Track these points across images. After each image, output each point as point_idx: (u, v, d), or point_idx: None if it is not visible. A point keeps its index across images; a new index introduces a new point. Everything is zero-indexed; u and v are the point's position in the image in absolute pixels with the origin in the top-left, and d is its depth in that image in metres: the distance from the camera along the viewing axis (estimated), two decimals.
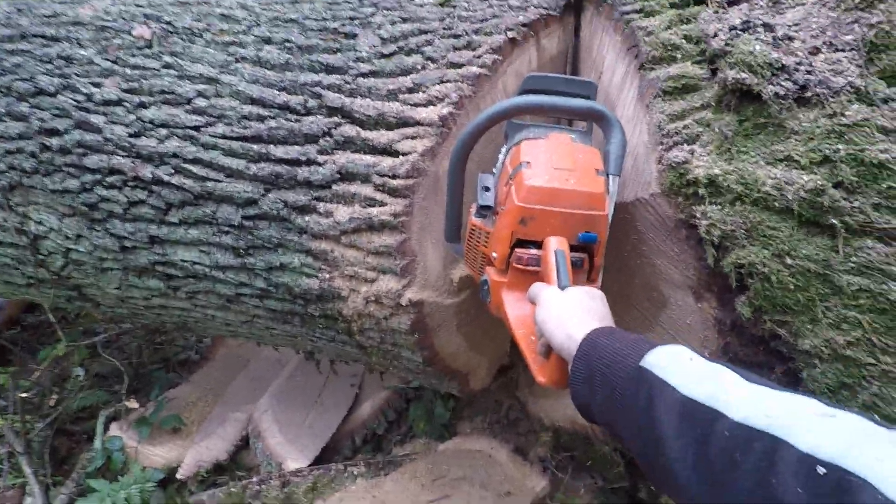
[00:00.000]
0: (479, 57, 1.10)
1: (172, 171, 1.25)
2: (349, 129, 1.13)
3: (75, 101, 1.32)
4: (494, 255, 0.86)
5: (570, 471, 1.76)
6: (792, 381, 0.78)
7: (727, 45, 0.79)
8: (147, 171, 1.26)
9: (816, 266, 0.71)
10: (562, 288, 0.72)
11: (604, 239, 0.80)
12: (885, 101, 0.68)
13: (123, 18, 1.42)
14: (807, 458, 0.38)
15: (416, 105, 1.10)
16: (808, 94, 0.72)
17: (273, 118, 1.19)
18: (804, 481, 0.37)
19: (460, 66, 1.11)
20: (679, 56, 0.90)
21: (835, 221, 0.69)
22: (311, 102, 1.17)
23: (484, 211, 0.90)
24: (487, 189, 0.92)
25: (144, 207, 1.29)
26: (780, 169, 0.74)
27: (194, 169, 1.23)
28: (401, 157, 1.09)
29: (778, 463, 0.39)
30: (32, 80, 1.37)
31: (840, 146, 0.69)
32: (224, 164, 1.21)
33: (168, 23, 1.37)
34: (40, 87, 1.35)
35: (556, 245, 0.76)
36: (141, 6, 1.46)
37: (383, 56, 1.17)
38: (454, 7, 1.23)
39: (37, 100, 1.36)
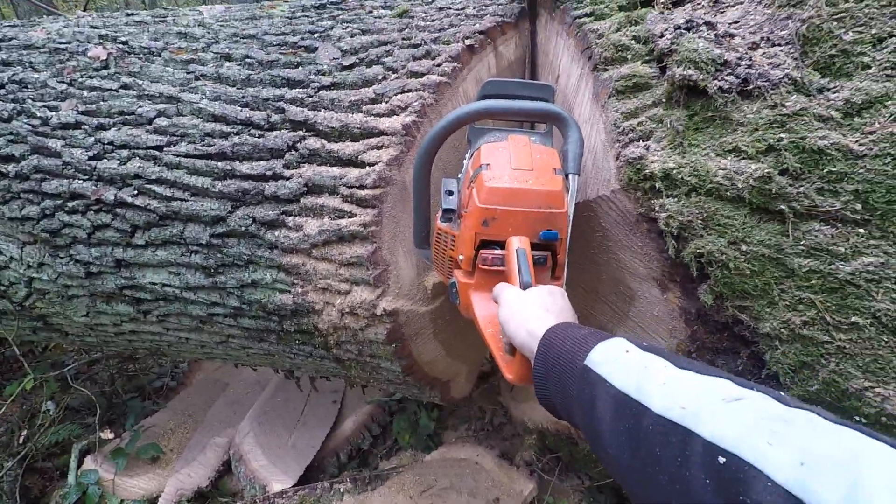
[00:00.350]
0: (438, 65, 1.12)
1: (136, 192, 1.23)
2: (314, 142, 1.13)
3: (31, 125, 1.29)
4: (461, 257, 0.87)
5: (556, 472, 1.76)
6: (757, 364, 0.80)
7: (673, 43, 0.81)
8: (110, 194, 1.23)
9: (769, 251, 0.73)
10: (523, 286, 0.73)
11: (565, 236, 0.81)
12: (820, 90, 0.70)
13: (78, 40, 1.40)
14: (710, 448, 0.38)
15: (379, 115, 1.11)
16: (750, 87, 0.75)
17: (237, 134, 1.18)
18: (709, 471, 0.37)
19: (421, 75, 1.12)
20: (629, 56, 0.93)
21: (783, 207, 0.71)
22: (275, 117, 1.17)
23: (448, 215, 0.91)
24: (451, 193, 0.92)
25: (109, 231, 1.26)
26: (730, 160, 0.76)
27: (158, 189, 1.21)
28: (367, 167, 1.09)
29: (689, 456, 0.39)
30: None
31: (783, 135, 0.72)
32: (189, 183, 1.19)
33: (124, 42, 1.36)
34: None
35: (517, 244, 0.77)
36: (96, 27, 1.44)
37: (344, 68, 1.18)
38: (412, 18, 1.24)
39: None
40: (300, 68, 1.21)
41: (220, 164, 1.18)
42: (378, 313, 1.16)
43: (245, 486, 1.80)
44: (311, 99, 1.16)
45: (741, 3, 0.80)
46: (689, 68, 0.77)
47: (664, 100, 0.85)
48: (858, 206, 0.67)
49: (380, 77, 1.14)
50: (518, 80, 0.97)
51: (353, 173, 1.10)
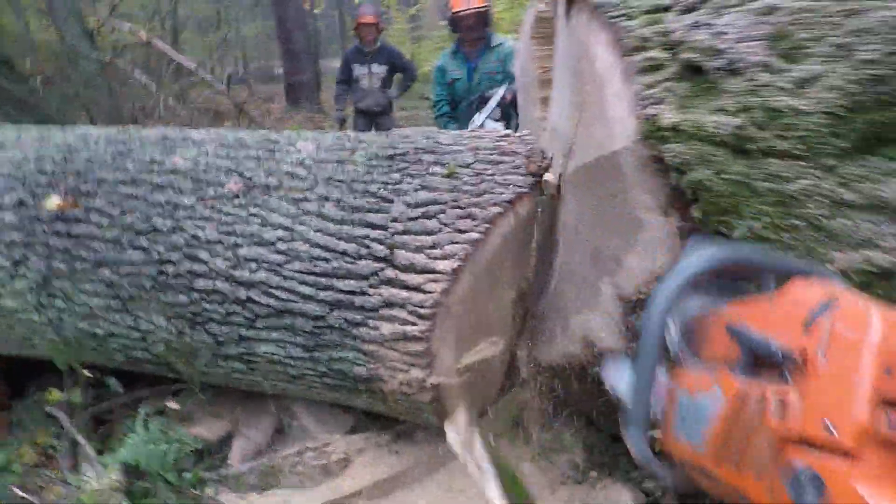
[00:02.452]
0: (477, 225, 1.67)
1: (261, 293, 1.78)
2: (390, 272, 1.69)
3: (185, 239, 1.83)
4: (832, 426, 0.58)
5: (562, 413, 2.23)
6: None
7: (683, 36, 1.22)
8: (243, 293, 1.78)
9: (740, 177, 1.08)
10: None
11: None
12: (781, 71, 1.11)
13: (211, 171, 1.93)
14: None
15: (435, 258, 1.66)
16: (735, 67, 1.13)
17: (335, 260, 1.73)
18: None
19: (464, 231, 1.67)
20: (650, 45, 1.29)
21: (752, 147, 1.07)
22: (363, 251, 1.72)
23: (755, 365, 0.70)
24: (767, 343, 0.69)
25: (238, 317, 1.81)
26: (717, 116, 1.12)
27: (277, 293, 1.76)
28: (427, 294, 1.64)
29: None
30: (149, 220, 1.87)
31: (754, 99, 1.08)
32: (300, 291, 1.74)
33: (249, 178, 1.89)
34: (155, 227, 1.86)
35: None
36: (222, 158, 1.97)
37: (411, 219, 1.73)
38: (458, 179, 1.79)
39: (153, 236, 1.86)
40: (379, 214, 1.75)
41: (322, 279, 1.73)
42: (426, 386, 1.72)
43: (297, 437, 2.24)
44: (388, 240, 1.71)
45: (733, 11, 1.25)
46: (692, 53, 1.19)
47: (675, 76, 1.22)
48: (801, 147, 1.05)
49: (436, 230, 1.69)
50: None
51: (417, 297, 1.66)
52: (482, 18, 3.72)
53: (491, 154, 1.87)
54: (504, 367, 2.10)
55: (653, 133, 1.22)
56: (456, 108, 4.07)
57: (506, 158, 1.85)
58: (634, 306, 1.51)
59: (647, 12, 1.39)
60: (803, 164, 1.07)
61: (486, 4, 3.73)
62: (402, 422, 2.28)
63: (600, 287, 1.62)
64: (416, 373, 1.72)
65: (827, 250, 1.04)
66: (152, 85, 6.75)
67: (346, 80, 5.36)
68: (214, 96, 8.02)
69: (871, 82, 0.99)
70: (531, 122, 2.15)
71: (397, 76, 5.53)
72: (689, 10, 1.32)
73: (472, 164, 1.84)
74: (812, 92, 1.07)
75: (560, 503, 1.85)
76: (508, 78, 3.63)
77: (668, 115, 1.19)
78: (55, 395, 2.03)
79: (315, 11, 8.73)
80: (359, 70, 5.26)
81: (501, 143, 1.91)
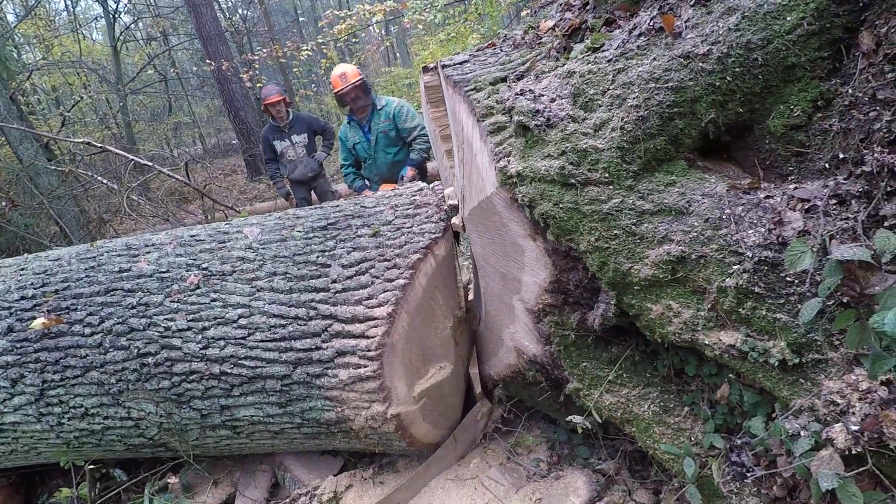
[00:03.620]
0: (402, 273, 1.97)
1: (232, 366, 2.04)
2: (337, 326, 1.97)
3: (159, 332, 2.10)
4: None
5: (523, 418, 2.48)
6: (587, 273, 1.51)
7: (514, 103, 1.52)
8: (216, 368, 2.05)
9: (572, 205, 1.36)
10: None
11: None
12: (583, 119, 1.43)
13: (173, 268, 2.22)
14: None
15: (372, 307, 1.95)
16: (551, 122, 1.44)
17: (290, 325, 2.01)
18: None
19: (393, 280, 1.97)
20: (494, 112, 1.60)
21: (574, 181, 1.38)
22: (311, 313, 2.01)
23: None
24: None
25: (216, 390, 2.07)
26: (546, 161, 1.41)
27: (247, 362, 2.03)
28: (371, 339, 1.93)
29: None
30: (125, 322, 2.14)
31: (567, 144, 1.39)
32: (265, 357, 2.02)
33: (205, 269, 2.18)
34: (132, 327, 2.13)
35: None
36: (181, 255, 2.26)
37: (347, 278, 2.02)
38: (383, 236, 2.10)
39: (131, 335, 2.12)
40: (321, 279, 2.05)
41: (282, 343, 2.01)
42: (388, 417, 1.99)
43: (291, 487, 2.45)
44: (331, 299, 2.00)
45: (547, 76, 1.60)
46: (521, 115, 1.49)
47: (513, 134, 1.53)
48: (607, 175, 1.37)
49: (369, 283, 1.99)
50: None
51: (363, 342, 1.94)
52: (361, 89, 4.19)
53: (407, 209, 2.19)
54: (460, 387, 2.37)
55: (506, 180, 1.54)
56: (360, 166, 4.60)
57: (420, 211, 2.17)
58: (539, 315, 1.82)
59: (491, 83, 1.75)
60: (611, 187, 1.40)
61: (360, 78, 4.21)
62: (384, 455, 2.52)
63: (513, 304, 1.93)
64: (376, 407, 1.99)
65: (642, 249, 1.37)
66: (113, 186, 7.04)
67: (273, 157, 5.57)
68: (177, 183, 8.34)
69: (637, 121, 1.33)
70: (443, 170, 2.48)
71: (318, 138, 5.76)
72: (519, 78, 1.69)
73: (393, 220, 2.16)
74: (606, 133, 1.41)
75: (522, 498, 2.09)
76: (402, 132, 4.21)
77: (514, 165, 1.52)
78: (65, 492, 2.24)
79: (258, 86, 9.17)
80: (281, 145, 5.48)
81: (416, 198, 2.24)
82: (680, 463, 1.61)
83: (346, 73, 4.21)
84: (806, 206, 1.14)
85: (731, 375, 1.41)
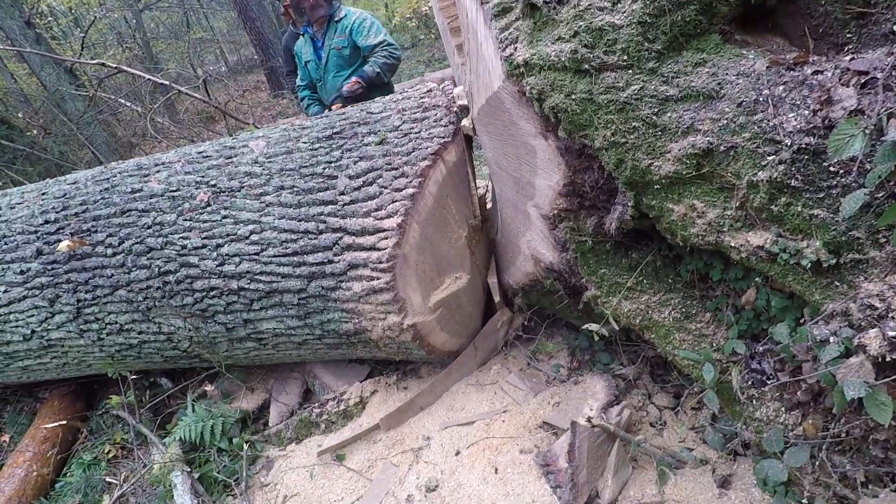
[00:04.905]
0: (411, 181, 1.88)
1: (249, 281, 2.06)
2: (348, 239, 1.93)
3: (176, 251, 2.12)
4: None
5: (544, 325, 2.51)
6: (603, 172, 1.37)
7: None
8: (234, 284, 2.07)
9: (586, 95, 1.22)
10: None
11: None
12: None
13: (183, 186, 2.19)
14: None
15: (382, 219, 1.89)
16: None
17: (301, 239, 1.98)
18: None
19: (401, 189, 1.88)
20: None
21: (587, 67, 1.22)
22: (321, 227, 1.96)
23: None
24: None
25: (237, 304, 2.11)
26: (557, 45, 1.25)
27: (262, 278, 2.04)
28: (381, 251, 1.88)
29: None
30: (143, 242, 2.16)
31: (581, 23, 1.23)
32: (280, 272, 2.02)
33: (214, 186, 2.14)
34: (150, 246, 2.15)
35: None
36: (189, 173, 2.22)
37: (355, 189, 1.95)
38: (389, 144, 1.98)
39: (151, 254, 2.15)
40: (328, 191, 1.98)
41: (295, 258, 1.99)
42: (405, 327, 2.00)
43: (321, 393, 2.59)
44: (340, 212, 1.95)
45: None
46: None
47: (520, 15, 1.37)
48: (626, 57, 1.21)
49: (377, 194, 1.91)
50: None
51: (374, 255, 1.90)
52: None
53: (415, 113, 2.04)
54: (477, 296, 2.35)
55: (513, 70, 1.38)
56: (315, 89, 3.81)
57: (428, 114, 2.02)
58: (554, 221, 1.72)
59: None
60: (630, 72, 1.22)
61: None
62: (408, 362, 2.59)
63: (528, 211, 1.82)
64: (392, 318, 1.99)
65: (664, 143, 1.21)
66: (137, 109, 7.01)
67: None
68: (202, 103, 8.23)
69: None
70: (455, 68, 2.28)
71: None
72: None
73: (400, 126, 2.02)
74: (625, 5, 1.20)
75: (540, 402, 2.12)
76: (362, 50, 3.42)
77: (521, 53, 1.35)
78: (115, 399, 2.42)
79: None
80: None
81: (424, 100, 2.08)
82: (699, 368, 1.55)
83: None
84: (862, 80, 0.95)
85: (758, 279, 1.30)
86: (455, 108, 2.01)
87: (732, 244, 1.20)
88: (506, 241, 2.18)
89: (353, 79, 3.35)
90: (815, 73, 1.03)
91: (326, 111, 3.13)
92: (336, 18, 3.45)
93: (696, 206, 1.23)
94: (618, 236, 1.45)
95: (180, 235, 2.12)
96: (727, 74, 1.12)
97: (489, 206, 2.56)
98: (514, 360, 2.45)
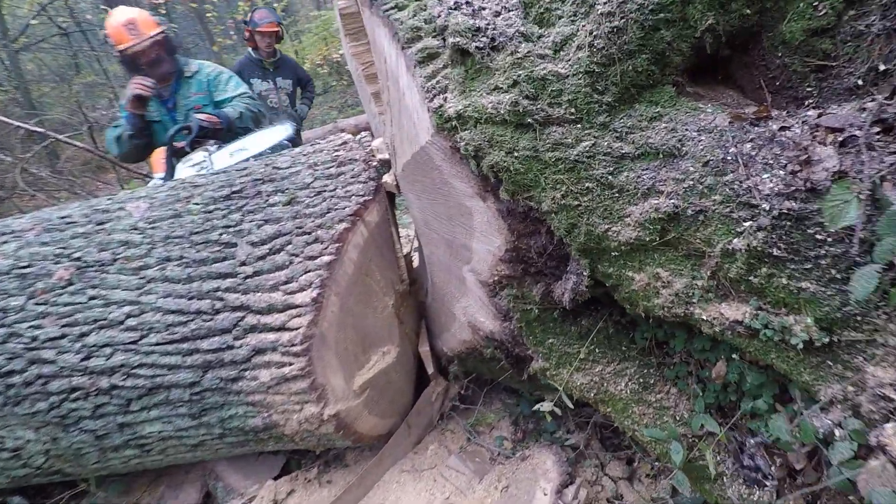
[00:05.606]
0: (327, 248, 1.61)
1: (125, 377, 1.65)
2: (252, 319, 1.60)
3: (24, 344, 1.66)
4: None
5: (483, 392, 2.24)
6: (552, 236, 1.20)
7: (446, 20, 1.16)
8: (104, 382, 1.65)
9: (530, 152, 1.04)
10: None
11: None
12: (538, 37, 1.10)
13: (37, 262, 1.75)
14: None
15: (293, 293, 1.59)
16: (497, 43, 1.10)
17: (192, 322, 1.63)
18: None
19: (315, 257, 1.60)
20: (423, 34, 1.24)
21: (531, 120, 1.04)
22: (218, 304, 1.62)
23: None
24: None
25: (110, 406, 1.68)
26: (493, 96, 1.07)
27: (142, 371, 1.64)
28: (294, 331, 1.58)
29: None
30: None
31: (520, 72, 1.05)
32: (165, 363, 1.63)
33: (79, 259, 1.73)
34: None
35: None
36: (47, 244, 1.79)
37: (259, 259, 1.64)
38: (299, 203, 1.71)
39: None
40: (226, 262, 1.65)
41: (185, 345, 1.63)
42: (325, 418, 1.68)
43: (223, 497, 2.17)
44: (241, 286, 1.62)
45: None
46: (457, 37, 1.13)
47: (448, 62, 1.19)
48: (573, 110, 1.05)
49: (287, 263, 1.62)
50: None
51: (285, 336, 1.59)
52: (162, 47, 2.92)
53: (329, 168, 1.80)
54: (409, 369, 2.08)
55: (443, 124, 1.18)
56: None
57: (344, 169, 1.78)
58: (495, 288, 1.52)
59: None
60: (579, 126, 1.07)
61: (160, 30, 2.92)
62: (330, 448, 2.23)
63: (463, 276, 1.61)
64: (310, 409, 1.66)
65: (622, 205, 1.06)
66: (7, 157, 6.13)
67: None
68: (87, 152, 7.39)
69: (611, 35, 0.99)
70: (371, 117, 2.08)
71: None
72: None
73: (312, 183, 1.76)
74: (570, 54, 1.06)
75: (487, 488, 1.86)
76: (220, 105, 3.05)
77: (452, 104, 1.16)
78: None
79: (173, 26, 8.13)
80: (262, 86, 4.32)
81: (339, 153, 1.84)
82: (665, 447, 1.39)
83: (134, 21, 2.84)
84: (839, 138, 0.85)
85: (731, 354, 1.16)
86: (374, 163, 1.79)
87: (704, 317, 1.05)
88: (438, 305, 1.95)
89: (207, 116, 2.87)
90: (782, 129, 0.93)
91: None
92: (187, 74, 3.03)
93: (661, 274, 1.08)
94: (571, 307, 1.27)
95: (30, 324, 1.68)
96: (687, 130, 0.99)
97: (416, 262, 2.33)
98: (452, 436, 2.18)
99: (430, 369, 2.08)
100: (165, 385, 1.65)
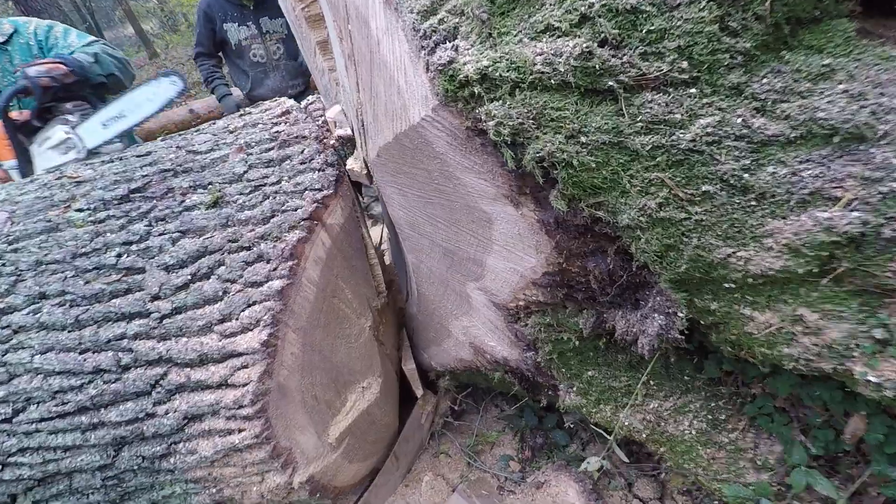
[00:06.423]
0: (276, 268, 1.14)
1: (1, 467, 1.17)
2: (177, 376, 1.14)
3: None
4: None
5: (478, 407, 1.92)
6: (626, 259, 0.82)
7: None
8: None
9: (609, 136, 0.66)
10: None
11: None
12: None
13: None
14: None
15: (233, 335, 1.13)
16: None
17: (90, 385, 1.14)
18: None
19: (261, 282, 1.14)
20: None
21: (612, 83, 0.65)
22: (125, 358, 1.14)
23: None
24: None
25: None
26: (545, 41, 0.67)
27: (24, 459, 1.16)
28: (240, 388, 1.13)
29: None
30: None
31: (592, 0, 0.65)
32: (57, 444, 1.16)
33: None
34: None
35: None
36: None
37: (179, 289, 1.15)
38: (228, 204, 1.21)
39: None
40: (131, 296, 1.16)
41: (83, 418, 1.15)
42: (296, 487, 1.27)
43: None
44: (157, 330, 1.14)
45: None
46: None
47: None
48: (685, 64, 0.64)
49: (220, 293, 1.14)
50: None
51: (228, 396, 1.14)
52: None
53: (268, 150, 1.29)
54: (392, 394, 1.68)
55: (455, 92, 0.72)
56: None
57: (290, 151, 1.28)
58: (517, 314, 1.12)
59: None
60: (694, 90, 0.64)
61: None
62: None
63: (468, 293, 1.20)
64: (274, 479, 1.25)
65: (761, 219, 0.66)
66: None
67: (210, 52, 3.16)
68: None
69: None
70: (319, 75, 1.56)
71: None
72: None
73: (246, 173, 1.26)
74: None
75: None
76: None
77: (470, 58, 0.70)
78: None
79: None
80: (238, 33, 3.08)
81: (280, 129, 1.34)
82: None
83: None
84: None
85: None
86: (332, 141, 1.30)
87: (871, 378, 0.70)
88: (426, 317, 1.54)
89: (53, 59, 2.00)
90: None
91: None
92: (1, 39, 2.19)
93: (806, 317, 0.71)
94: (650, 356, 0.89)
95: None
96: (884, 96, 0.59)
97: (387, 259, 1.89)
98: (448, 462, 1.83)
99: (419, 391, 1.69)
100: (63, 471, 1.18)
